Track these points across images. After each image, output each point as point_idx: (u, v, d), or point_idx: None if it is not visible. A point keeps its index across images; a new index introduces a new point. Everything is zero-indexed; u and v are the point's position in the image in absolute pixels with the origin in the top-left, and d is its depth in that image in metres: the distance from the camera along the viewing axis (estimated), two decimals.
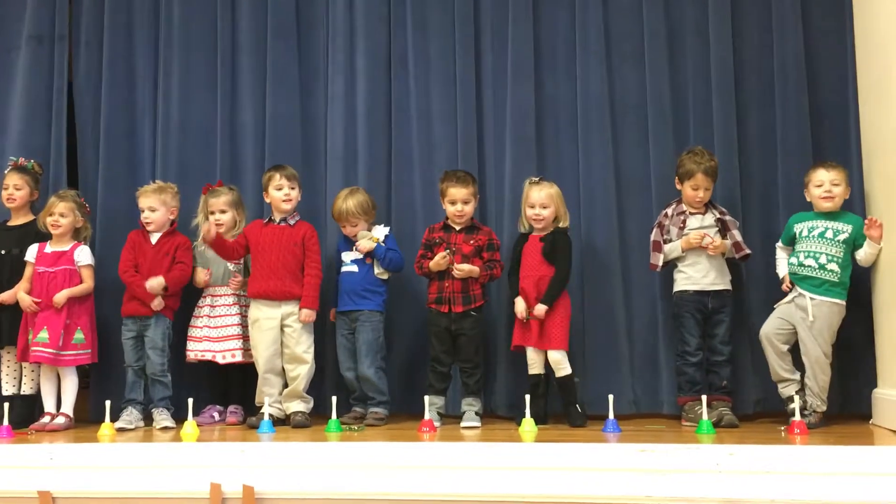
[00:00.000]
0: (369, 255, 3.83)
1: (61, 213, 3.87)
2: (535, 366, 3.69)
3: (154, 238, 3.91)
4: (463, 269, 3.69)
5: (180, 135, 4.27)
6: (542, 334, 3.63)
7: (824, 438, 3.11)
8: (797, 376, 3.49)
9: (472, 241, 3.78)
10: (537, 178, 3.79)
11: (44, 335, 3.73)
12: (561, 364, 3.64)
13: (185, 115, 4.28)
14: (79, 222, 3.93)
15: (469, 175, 3.83)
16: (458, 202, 3.77)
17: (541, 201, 3.73)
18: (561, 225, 3.76)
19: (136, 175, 4.21)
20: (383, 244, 3.83)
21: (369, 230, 3.88)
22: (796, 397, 3.31)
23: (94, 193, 4.22)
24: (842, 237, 3.49)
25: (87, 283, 3.87)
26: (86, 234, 4.00)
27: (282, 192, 3.85)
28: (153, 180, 4.04)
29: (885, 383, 3.47)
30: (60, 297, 3.76)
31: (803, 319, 3.45)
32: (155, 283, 3.78)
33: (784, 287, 3.59)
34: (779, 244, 3.71)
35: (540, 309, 3.61)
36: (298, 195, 3.90)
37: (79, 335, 3.81)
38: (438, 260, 3.71)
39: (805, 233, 3.56)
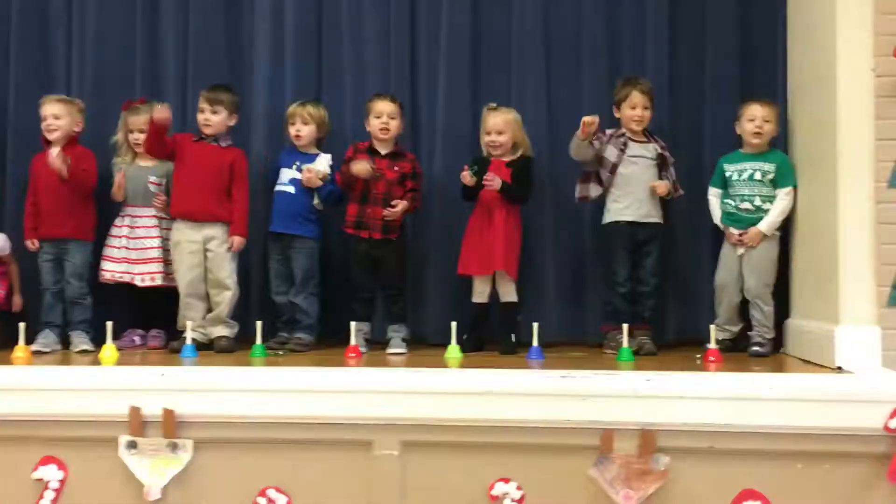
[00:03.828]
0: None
1: None
2: (481, 294, 3.71)
3: (54, 152, 3.71)
4: (396, 211, 3.65)
5: (97, 47, 4.05)
6: (500, 258, 3.62)
7: (737, 366, 3.23)
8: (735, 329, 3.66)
9: (396, 168, 3.73)
10: (494, 105, 3.74)
11: None
12: (510, 290, 3.68)
13: (101, 25, 4.06)
14: None
15: (395, 97, 3.78)
16: (384, 115, 3.70)
17: (497, 127, 3.69)
18: (523, 153, 3.73)
19: (49, 89, 3.95)
20: (329, 177, 3.74)
21: (314, 150, 3.81)
22: (712, 328, 3.41)
23: (4, 106, 4.03)
24: (769, 177, 3.60)
25: (13, 265, 3.83)
26: None
27: (202, 116, 3.72)
28: (67, 94, 3.87)
29: (796, 314, 3.61)
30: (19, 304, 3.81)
31: (741, 256, 3.58)
32: (55, 155, 3.59)
33: (733, 240, 3.61)
34: (711, 189, 3.75)
35: (496, 180, 3.59)
36: (226, 119, 3.75)
37: None
38: (364, 165, 3.63)
39: (735, 177, 3.66)
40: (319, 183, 3.73)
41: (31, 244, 3.75)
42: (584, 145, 3.62)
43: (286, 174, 3.80)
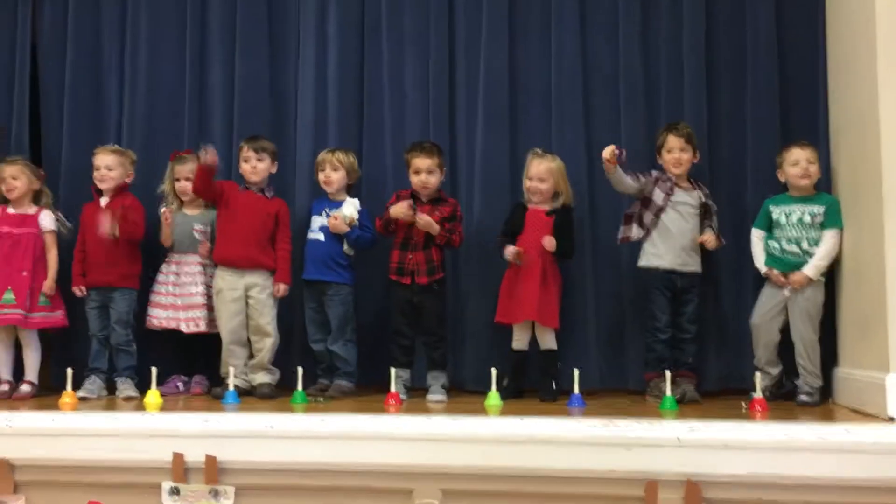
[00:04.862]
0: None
1: (13, 175, 3.79)
2: (520, 341, 3.70)
3: (103, 201, 3.84)
4: (424, 217, 3.64)
5: (147, 96, 4.19)
6: (541, 309, 3.61)
7: (784, 414, 3.16)
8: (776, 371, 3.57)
9: (437, 213, 3.75)
10: (540, 150, 3.76)
11: (9, 296, 3.66)
12: (550, 337, 3.66)
13: (152, 76, 4.20)
14: (35, 184, 3.85)
15: (435, 146, 3.80)
16: (423, 172, 3.73)
17: (539, 175, 3.71)
18: (564, 202, 3.74)
19: (101, 136, 4.12)
20: (357, 223, 3.78)
21: (344, 196, 3.84)
22: (758, 374, 3.35)
23: (58, 155, 4.16)
24: (818, 220, 3.54)
25: (53, 250, 3.83)
26: (46, 200, 3.91)
27: (248, 165, 3.80)
28: (118, 143, 3.99)
29: (844, 362, 3.52)
30: (50, 287, 3.75)
31: (787, 299, 3.51)
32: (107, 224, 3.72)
33: (781, 282, 3.54)
34: (755, 231, 3.69)
35: (550, 241, 3.59)
36: (270, 167, 3.84)
37: (43, 298, 3.76)
38: (403, 205, 3.66)
39: (783, 219, 3.60)
40: (346, 228, 3.76)
41: (79, 290, 3.83)
42: (615, 178, 3.64)
43: (316, 221, 3.85)
